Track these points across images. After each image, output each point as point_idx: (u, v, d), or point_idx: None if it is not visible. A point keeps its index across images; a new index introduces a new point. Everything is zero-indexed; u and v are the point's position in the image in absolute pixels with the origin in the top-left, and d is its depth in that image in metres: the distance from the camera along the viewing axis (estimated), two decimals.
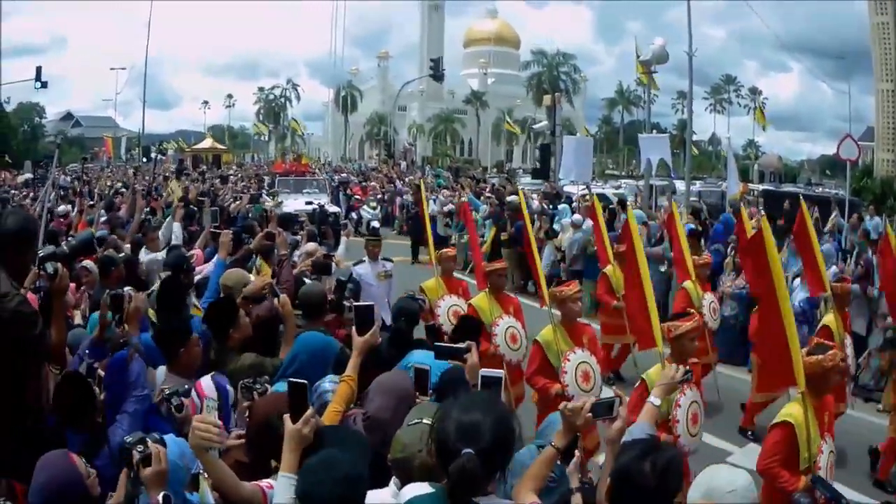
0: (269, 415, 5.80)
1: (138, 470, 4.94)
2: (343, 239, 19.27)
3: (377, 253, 16.32)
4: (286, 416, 5.17)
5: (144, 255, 14.35)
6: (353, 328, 6.90)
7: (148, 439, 5.02)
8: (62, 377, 7.00)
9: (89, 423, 6.54)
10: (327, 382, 6.63)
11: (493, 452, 4.29)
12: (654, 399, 6.87)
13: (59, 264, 7.17)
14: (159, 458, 4.94)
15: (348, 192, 54.00)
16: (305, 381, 5.44)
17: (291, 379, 5.51)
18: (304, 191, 45.72)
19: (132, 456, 4.95)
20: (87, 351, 7.59)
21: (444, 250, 15.37)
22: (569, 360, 11.17)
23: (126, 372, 7.21)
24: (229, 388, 6.91)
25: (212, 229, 14.77)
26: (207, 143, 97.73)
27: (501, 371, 6.62)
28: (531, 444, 6.44)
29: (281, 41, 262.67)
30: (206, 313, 8.73)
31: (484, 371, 6.51)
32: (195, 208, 20.98)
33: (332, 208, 40.99)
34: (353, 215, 45.30)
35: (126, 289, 8.29)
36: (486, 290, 13.70)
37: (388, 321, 11.78)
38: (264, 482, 5.35)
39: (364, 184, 57.63)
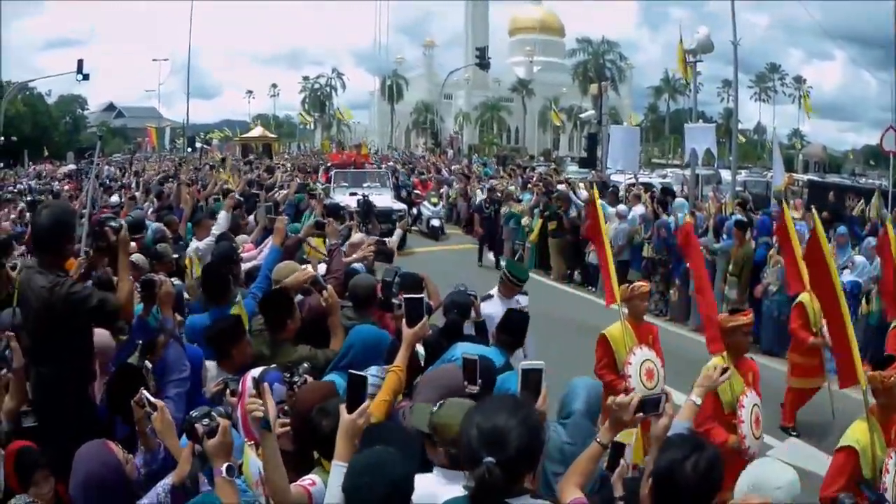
0: (314, 405, 5.90)
1: (203, 443, 5.02)
2: (398, 231, 16.99)
3: (514, 291, 12.50)
4: (342, 407, 5.21)
5: (195, 244, 14.47)
6: (403, 320, 6.82)
7: (213, 412, 5.10)
8: (116, 369, 7.17)
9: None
10: (372, 373, 6.46)
11: (517, 460, 4.25)
12: (696, 398, 6.76)
13: (122, 221, 7.63)
14: (225, 430, 5.00)
15: (397, 179, 48.14)
16: (366, 374, 5.46)
17: (352, 371, 5.53)
18: (364, 185, 39.25)
19: (196, 430, 5.03)
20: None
21: (637, 284, 11.92)
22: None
23: (164, 357, 7.48)
24: (278, 385, 6.69)
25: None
26: (257, 131, 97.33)
27: (541, 362, 6.23)
28: (553, 422, 6.62)
29: (324, 30, 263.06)
30: (262, 305, 8.79)
31: (524, 363, 6.20)
32: (241, 198, 20.68)
33: (397, 205, 37.99)
34: (413, 211, 41.58)
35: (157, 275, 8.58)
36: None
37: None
38: (307, 479, 5.43)
39: (423, 177, 53.11)
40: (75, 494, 5.64)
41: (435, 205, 43.65)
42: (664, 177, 50.69)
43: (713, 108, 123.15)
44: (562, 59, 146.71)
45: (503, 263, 13.67)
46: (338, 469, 4.94)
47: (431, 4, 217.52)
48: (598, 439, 5.44)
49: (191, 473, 5.33)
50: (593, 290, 27.11)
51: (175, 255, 12.64)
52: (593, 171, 41.92)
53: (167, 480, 5.49)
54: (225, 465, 4.90)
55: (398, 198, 41.98)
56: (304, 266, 10.34)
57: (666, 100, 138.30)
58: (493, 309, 11.44)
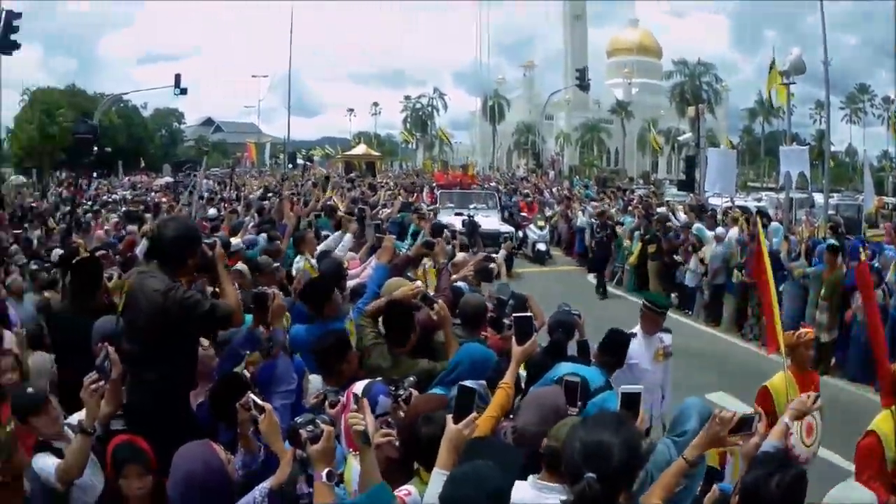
0: (420, 414, 5.97)
1: (305, 448, 5.13)
2: (502, 251, 17.01)
3: (657, 322, 11.94)
4: (449, 417, 5.36)
5: (299, 261, 14.45)
6: (513, 338, 6.91)
7: (318, 419, 5.21)
8: (220, 377, 7.43)
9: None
10: (470, 383, 6.14)
11: (616, 476, 4.32)
12: (788, 420, 6.74)
13: (217, 240, 7.90)
14: (329, 436, 5.09)
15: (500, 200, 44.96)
16: (475, 387, 5.64)
17: (463, 383, 5.70)
18: (471, 206, 39.28)
19: (300, 435, 5.14)
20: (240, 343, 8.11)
21: (803, 331, 10.69)
22: None
23: (272, 369, 7.71)
24: (383, 398, 6.77)
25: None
26: (360, 149, 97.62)
27: (640, 386, 6.46)
28: (665, 438, 6.53)
29: (425, 50, 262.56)
30: (385, 320, 8.78)
31: (624, 387, 6.39)
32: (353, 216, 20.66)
33: (504, 227, 37.60)
34: (519, 234, 40.07)
35: (269, 289, 8.63)
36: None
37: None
38: (403, 490, 5.44)
39: (529, 199, 50.03)
40: (173, 493, 5.87)
41: (541, 228, 41.50)
42: (759, 200, 50.11)
43: (806, 131, 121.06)
44: (659, 81, 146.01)
45: (644, 299, 12.42)
46: (438, 476, 5.06)
47: (531, 26, 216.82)
48: (684, 455, 5.54)
49: (289, 479, 5.47)
50: (689, 312, 27.11)
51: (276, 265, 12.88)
52: (691, 194, 41.50)
53: (265, 484, 5.68)
54: (326, 470, 5.04)
55: (505, 220, 41.21)
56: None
57: (761, 122, 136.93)
58: (636, 348, 11.23)
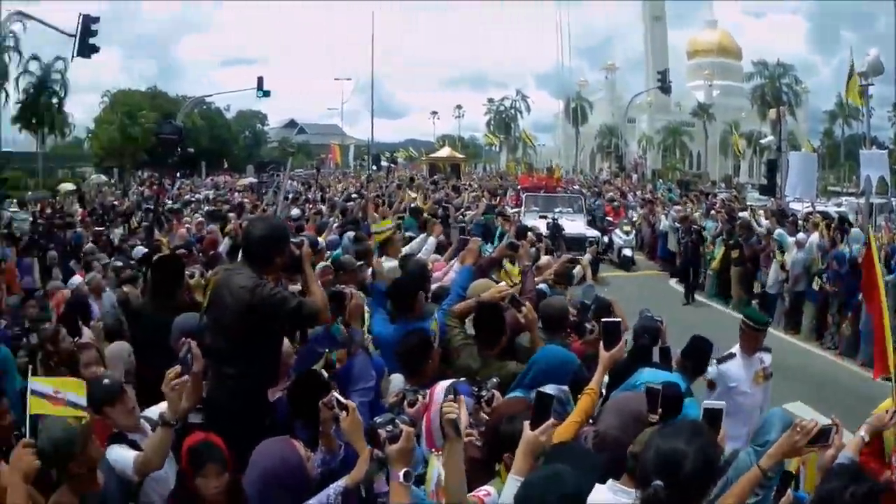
0: (504, 416, 5.98)
1: (384, 448, 5.09)
2: (587, 255, 16.31)
3: (758, 340, 11.13)
4: (525, 423, 5.27)
5: (386, 263, 13.92)
6: (601, 342, 6.90)
7: (397, 420, 5.17)
8: (297, 375, 7.41)
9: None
10: (551, 388, 6.17)
11: (686, 487, 4.28)
12: (864, 434, 6.83)
13: (305, 239, 7.97)
14: (408, 436, 5.04)
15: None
16: (554, 393, 5.63)
17: (540, 389, 5.64)
18: (556, 209, 37.80)
19: (379, 435, 5.12)
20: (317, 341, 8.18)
21: None
22: None
23: (351, 367, 7.75)
24: (466, 397, 6.39)
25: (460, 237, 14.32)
26: (445, 151, 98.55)
27: (723, 403, 6.30)
28: (749, 447, 6.58)
29: (507, 53, 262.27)
30: (476, 321, 8.82)
31: (707, 402, 6.35)
32: (438, 219, 20.71)
33: (591, 232, 36.09)
34: (605, 239, 38.94)
35: (347, 288, 8.77)
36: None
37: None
38: (483, 490, 5.47)
39: (616, 203, 47.31)
40: (251, 489, 5.92)
41: (627, 233, 40.62)
42: (839, 205, 49.48)
43: (885, 133, 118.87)
44: (740, 83, 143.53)
45: (742, 316, 11.61)
46: (513, 482, 5.00)
47: (611, 28, 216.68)
48: (759, 464, 5.51)
49: (366, 477, 5.45)
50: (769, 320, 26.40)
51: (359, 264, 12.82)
52: (772, 199, 40.89)
53: (340, 483, 5.67)
54: (403, 470, 4.97)
55: (591, 224, 40.24)
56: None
57: (840, 124, 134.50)
58: (733, 368, 10.90)
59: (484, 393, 6.70)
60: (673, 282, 33.22)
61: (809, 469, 8.79)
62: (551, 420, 5.39)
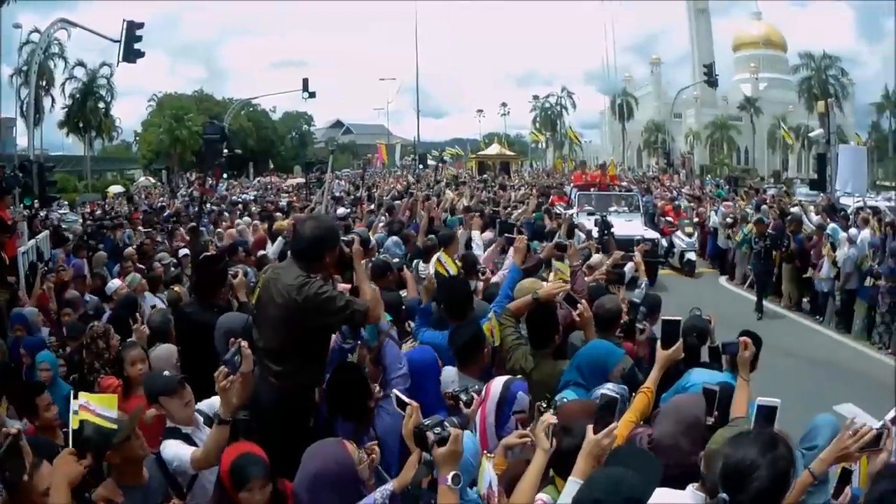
0: (570, 419, 5.80)
1: (432, 451, 5.01)
2: (636, 254, 15.22)
3: None
4: (589, 427, 5.24)
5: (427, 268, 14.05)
6: (659, 342, 6.95)
7: (446, 422, 5.11)
8: (335, 368, 7.44)
9: (359, 411, 6.94)
10: (608, 388, 6.26)
11: (754, 500, 4.26)
12: None
13: (356, 237, 7.82)
14: (457, 439, 4.96)
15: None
16: (617, 397, 5.55)
17: (604, 391, 5.66)
18: (611, 208, 35.13)
19: (427, 438, 5.03)
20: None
21: None
22: None
23: (382, 357, 7.74)
24: (522, 394, 6.86)
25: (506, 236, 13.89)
26: (494, 149, 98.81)
27: (778, 399, 6.19)
28: (796, 451, 6.22)
29: (552, 50, 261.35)
30: (529, 321, 8.81)
31: (760, 399, 6.17)
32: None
33: (649, 233, 32.09)
34: (664, 242, 35.81)
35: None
36: None
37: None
38: (538, 501, 5.43)
39: (677, 204, 44.17)
40: (301, 490, 5.88)
41: (689, 235, 37.68)
42: (889, 199, 48.89)
43: None
44: (786, 76, 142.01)
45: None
46: (573, 485, 4.97)
47: (656, 22, 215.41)
48: (811, 468, 5.49)
49: (413, 480, 5.37)
50: (820, 319, 26.24)
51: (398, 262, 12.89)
52: (822, 194, 40.29)
53: (388, 486, 5.69)
54: (451, 473, 4.92)
55: (649, 223, 38.14)
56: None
57: (888, 117, 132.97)
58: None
59: (463, 396, 6.65)
60: (723, 279, 33.18)
61: (863, 465, 8.80)
62: (615, 423, 5.35)
